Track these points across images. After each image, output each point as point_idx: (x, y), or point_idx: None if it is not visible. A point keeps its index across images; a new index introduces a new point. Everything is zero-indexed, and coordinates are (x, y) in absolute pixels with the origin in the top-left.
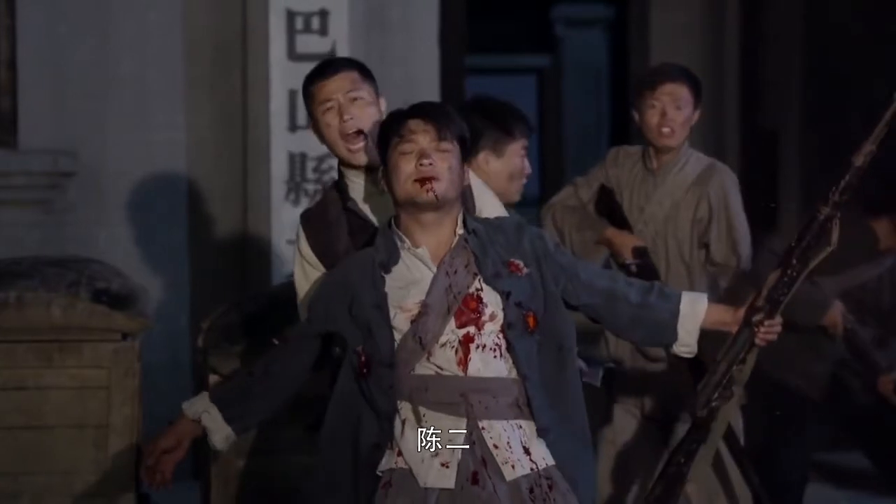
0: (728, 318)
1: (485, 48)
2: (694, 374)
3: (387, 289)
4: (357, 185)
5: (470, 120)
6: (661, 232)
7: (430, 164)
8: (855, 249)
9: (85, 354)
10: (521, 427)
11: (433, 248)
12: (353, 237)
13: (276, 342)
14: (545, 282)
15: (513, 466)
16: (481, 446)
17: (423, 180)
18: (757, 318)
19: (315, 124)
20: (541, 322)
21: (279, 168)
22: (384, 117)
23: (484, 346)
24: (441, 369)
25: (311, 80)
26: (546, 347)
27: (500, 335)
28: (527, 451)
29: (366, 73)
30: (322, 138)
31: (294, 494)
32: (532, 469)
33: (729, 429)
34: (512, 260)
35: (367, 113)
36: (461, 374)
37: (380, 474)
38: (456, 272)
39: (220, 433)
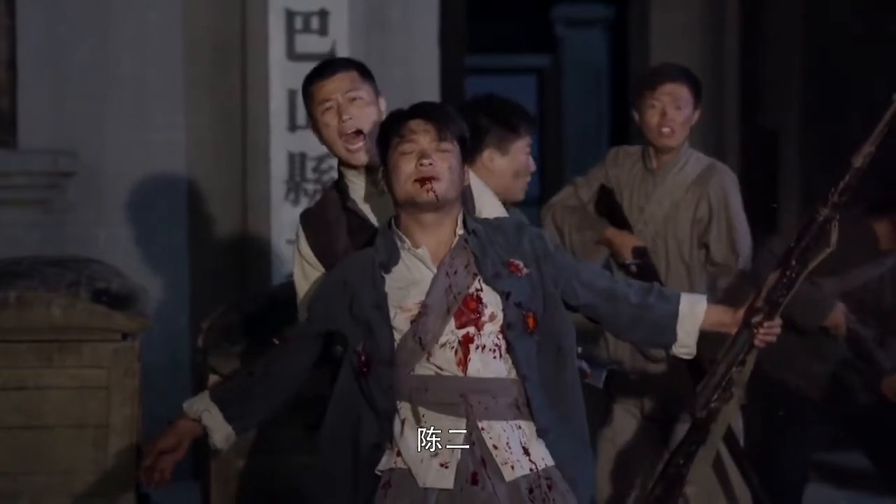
0: (727, 319)
1: (485, 48)
2: (693, 375)
3: (387, 289)
4: (357, 186)
5: (475, 118)
6: (661, 232)
7: (431, 164)
8: (856, 250)
9: (85, 354)
10: (520, 427)
11: (433, 248)
12: (353, 237)
13: (276, 342)
14: (545, 282)
15: (512, 467)
16: (481, 447)
17: (423, 180)
18: (756, 319)
19: (314, 124)
20: (540, 322)
21: (279, 168)
22: (384, 117)
23: (483, 347)
24: (441, 370)
25: (311, 80)
26: (545, 348)
27: (500, 336)
28: (526, 452)
29: (365, 73)
30: (321, 138)
31: (294, 494)
32: (531, 469)
33: (729, 429)
34: (512, 260)
35: (366, 113)
36: (461, 374)
37: (379, 474)
38: (456, 272)
39: (221, 432)
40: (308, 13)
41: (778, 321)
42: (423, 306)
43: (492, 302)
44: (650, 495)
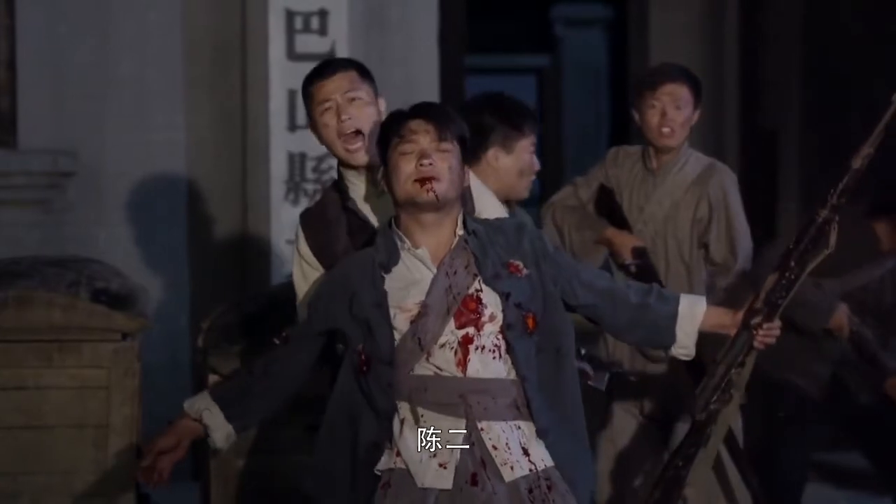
0: (727, 320)
1: (485, 48)
2: (693, 377)
3: (386, 289)
4: (356, 186)
5: (480, 116)
6: (661, 232)
7: (431, 164)
8: (856, 251)
9: (85, 354)
10: (519, 428)
11: (433, 248)
12: (353, 237)
13: (276, 342)
14: (544, 282)
15: (511, 467)
16: (480, 447)
17: (423, 180)
18: (755, 321)
19: (314, 124)
20: (540, 323)
21: (278, 168)
22: (383, 117)
23: (483, 348)
24: (440, 370)
25: (310, 81)
26: (545, 348)
27: (500, 336)
28: (526, 452)
29: (364, 74)
30: (321, 138)
31: (294, 494)
32: (531, 470)
33: (728, 430)
34: (511, 261)
35: (365, 113)
36: (460, 374)
37: (378, 474)
38: (456, 273)
39: (221, 431)
40: (308, 13)
41: (777, 323)
42: (423, 306)
43: (491, 302)
44: (650, 498)
